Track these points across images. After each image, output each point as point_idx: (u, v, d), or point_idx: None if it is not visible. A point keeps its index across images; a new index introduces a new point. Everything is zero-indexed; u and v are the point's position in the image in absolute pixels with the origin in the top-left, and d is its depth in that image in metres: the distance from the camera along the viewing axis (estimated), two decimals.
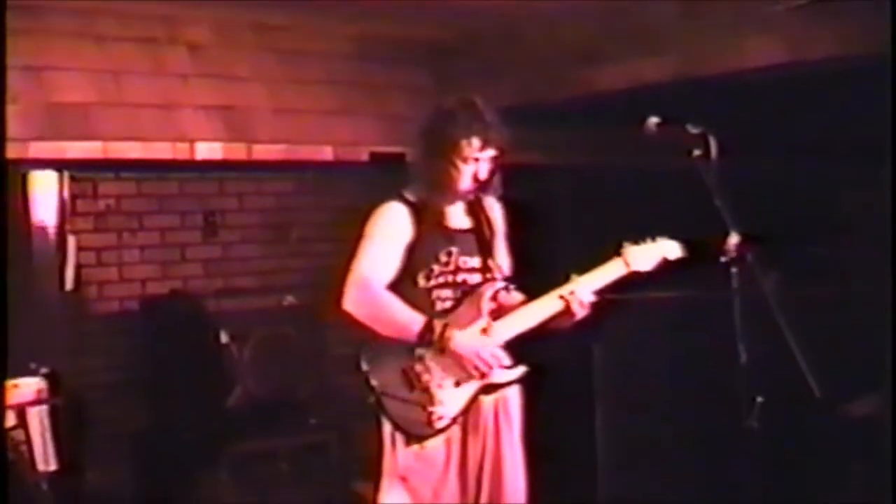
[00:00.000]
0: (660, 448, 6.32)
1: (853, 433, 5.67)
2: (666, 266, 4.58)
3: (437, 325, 4.44)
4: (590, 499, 6.37)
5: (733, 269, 3.99)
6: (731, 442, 4.23)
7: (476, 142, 4.49)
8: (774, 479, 5.27)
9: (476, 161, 4.53)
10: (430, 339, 4.43)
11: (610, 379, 6.41)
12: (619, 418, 6.37)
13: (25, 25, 6.12)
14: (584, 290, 4.52)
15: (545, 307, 4.56)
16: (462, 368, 4.50)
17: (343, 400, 6.73)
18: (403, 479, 4.55)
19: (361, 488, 6.17)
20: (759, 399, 3.92)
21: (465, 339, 4.47)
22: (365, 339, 4.53)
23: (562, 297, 4.52)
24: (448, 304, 4.58)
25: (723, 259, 4.01)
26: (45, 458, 5.39)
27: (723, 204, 3.99)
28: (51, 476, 5.38)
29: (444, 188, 4.58)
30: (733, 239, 3.99)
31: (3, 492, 4.77)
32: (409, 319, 4.47)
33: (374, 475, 4.67)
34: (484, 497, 4.63)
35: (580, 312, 4.52)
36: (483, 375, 4.51)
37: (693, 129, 4.13)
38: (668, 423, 6.30)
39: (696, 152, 4.08)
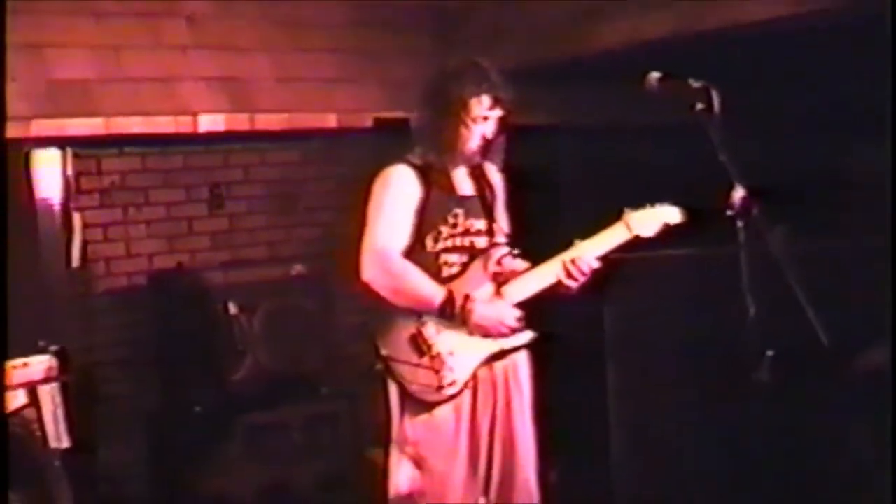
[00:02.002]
0: (671, 406, 6.30)
1: (864, 384, 5.64)
2: (668, 231, 4.57)
3: (458, 297, 4.45)
4: (602, 461, 6.35)
5: (739, 224, 3.97)
6: (742, 396, 4.22)
7: (486, 100, 4.53)
8: (785, 431, 5.27)
9: (485, 120, 4.54)
10: (452, 312, 4.44)
11: (620, 340, 6.38)
12: (630, 379, 6.34)
13: (23, 4, 6.08)
14: (587, 256, 4.52)
15: (548, 273, 4.56)
16: (478, 334, 4.51)
17: (354, 368, 6.75)
18: (411, 447, 4.56)
19: (374, 455, 6.17)
20: (770, 352, 3.91)
21: (486, 309, 4.49)
22: (373, 306, 4.53)
23: (564, 263, 4.51)
24: (455, 268, 4.61)
25: (728, 213, 3.99)
26: (58, 436, 5.37)
27: (727, 158, 3.96)
28: (64, 453, 5.37)
29: (452, 149, 4.59)
30: (738, 193, 3.96)
31: (3, 470, 4.76)
32: (431, 292, 4.49)
33: (382, 444, 4.68)
34: (496, 464, 4.66)
35: (581, 279, 4.51)
36: (510, 335, 4.57)
37: (695, 84, 4.10)
38: (680, 380, 6.27)
39: (699, 106, 4.05)
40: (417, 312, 4.49)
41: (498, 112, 4.55)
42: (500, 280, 4.60)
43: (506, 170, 4.87)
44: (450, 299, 4.46)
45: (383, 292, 4.49)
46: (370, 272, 4.49)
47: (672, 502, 6.23)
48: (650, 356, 6.32)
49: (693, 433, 6.29)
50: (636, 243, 4.56)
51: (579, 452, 6.24)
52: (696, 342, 6.18)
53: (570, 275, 4.50)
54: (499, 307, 4.53)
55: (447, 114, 4.53)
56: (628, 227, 4.54)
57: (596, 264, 4.53)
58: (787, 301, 3.76)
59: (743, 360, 4.03)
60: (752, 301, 3.97)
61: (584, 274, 4.50)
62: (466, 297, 4.47)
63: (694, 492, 6.21)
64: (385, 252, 4.49)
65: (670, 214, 4.57)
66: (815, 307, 3.77)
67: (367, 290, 4.51)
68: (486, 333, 4.53)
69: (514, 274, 4.64)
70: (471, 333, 4.50)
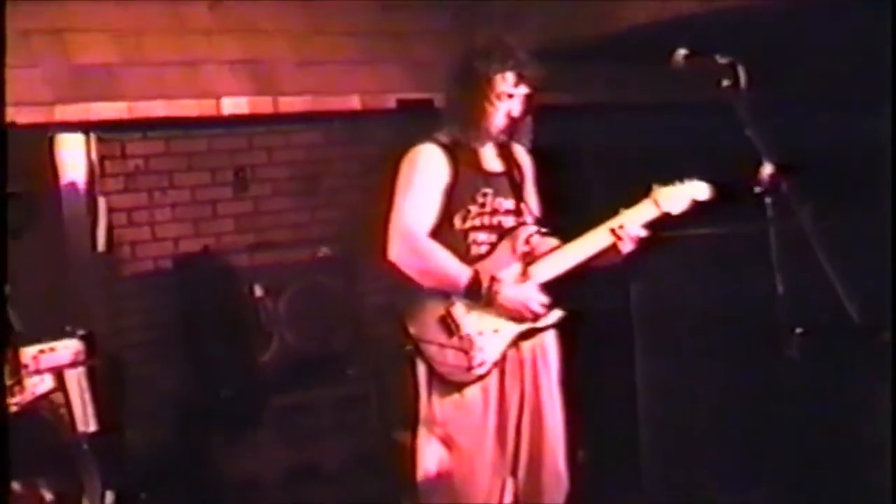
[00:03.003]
0: (699, 383, 6.28)
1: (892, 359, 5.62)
2: (696, 207, 4.54)
3: (485, 277, 4.45)
4: (630, 440, 6.34)
5: (768, 200, 3.95)
6: (771, 372, 4.21)
7: (511, 77, 4.52)
8: (814, 406, 5.25)
9: (510, 97, 4.54)
10: (479, 293, 4.42)
11: (648, 317, 6.36)
12: (658, 357, 6.33)
13: None
14: (633, 224, 4.50)
15: (593, 242, 4.55)
16: (504, 316, 4.49)
17: (380, 349, 6.76)
18: (439, 427, 4.56)
19: (402, 437, 6.17)
20: (799, 330, 3.89)
21: (512, 291, 4.48)
22: (401, 287, 4.53)
23: (612, 231, 4.49)
24: (484, 247, 4.60)
25: (757, 190, 3.97)
26: (85, 420, 5.38)
27: (754, 134, 3.94)
28: (91, 437, 5.39)
29: (477, 126, 4.58)
30: (767, 169, 3.94)
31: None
32: (457, 272, 4.48)
33: (411, 424, 4.68)
34: (524, 443, 4.67)
35: (628, 247, 4.49)
36: (535, 319, 4.53)
37: (722, 60, 4.08)
38: (708, 357, 6.26)
39: (726, 83, 4.03)
40: (445, 293, 4.48)
41: (524, 90, 4.54)
42: (529, 260, 4.59)
43: (533, 150, 4.85)
44: (476, 280, 4.45)
45: (409, 272, 4.49)
46: (396, 252, 4.49)
47: (702, 480, 6.22)
48: (678, 334, 6.30)
49: (722, 410, 6.27)
50: (665, 220, 4.53)
51: (608, 431, 6.23)
52: (725, 319, 6.16)
53: (618, 243, 4.49)
54: (525, 290, 4.52)
55: (473, 91, 4.54)
56: (657, 204, 4.51)
57: (643, 233, 4.51)
58: (817, 277, 3.74)
59: (771, 336, 4.02)
60: (781, 278, 3.96)
61: (632, 241, 4.49)
62: (493, 279, 4.46)
63: (723, 468, 6.20)
64: (411, 232, 4.49)
65: (699, 190, 4.54)
66: (845, 283, 3.75)
67: (393, 269, 4.50)
68: (511, 315, 4.52)
69: (543, 253, 4.62)
70: (497, 314, 4.49)
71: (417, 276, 4.48)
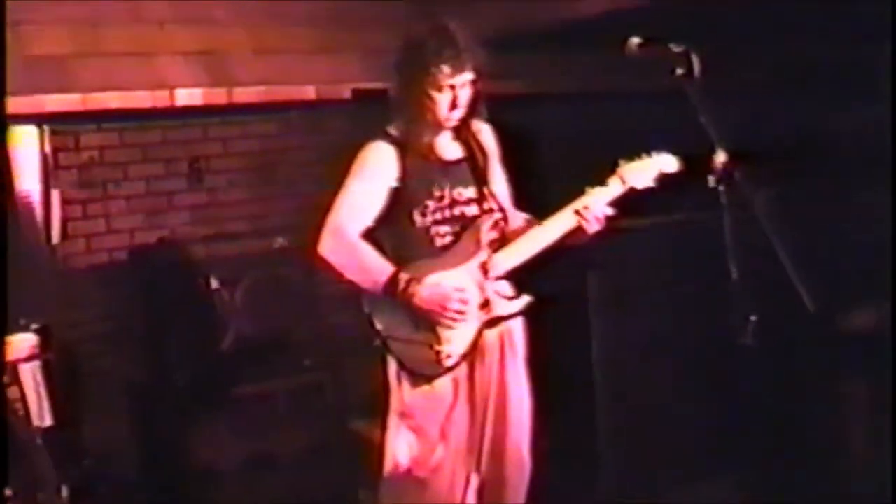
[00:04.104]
0: (655, 372, 6.30)
1: (848, 348, 5.66)
2: (664, 180, 4.53)
3: (403, 278, 4.42)
4: (587, 427, 6.35)
5: (721, 188, 3.96)
6: (725, 360, 4.22)
7: (446, 68, 4.40)
8: (771, 395, 5.27)
9: (452, 88, 4.46)
10: (395, 292, 4.41)
11: (604, 304, 6.37)
12: (614, 345, 6.33)
13: None
14: (598, 204, 4.50)
15: (559, 225, 4.54)
16: (424, 319, 4.48)
17: (337, 340, 6.76)
18: (410, 418, 4.57)
19: (358, 427, 6.18)
20: (753, 317, 3.90)
21: (429, 292, 4.44)
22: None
23: (577, 212, 4.49)
24: (447, 239, 4.58)
25: (711, 178, 3.98)
26: (40, 414, 5.37)
27: (708, 122, 3.95)
28: (46, 431, 5.37)
29: (423, 119, 4.52)
30: (720, 157, 3.95)
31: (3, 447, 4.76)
32: (378, 270, 4.45)
33: (380, 414, 4.67)
34: (489, 426, 4.68)
35: (594, 227, 4.49)
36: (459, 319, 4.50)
37: (675, 48, 4.08)
38: (664, 346, 6.27)
39: (680, 71, 4.03)
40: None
41: (465, 77, 4.45)
42: (499, 245, 4.60)
43: (492, 122, 4.80)
44: (394, 280, 4.42)
45: (337, 267, 4.48)
46: (325, 247, 4.49)
47: (659, 469, 6.24)
48: (634, 322, 6.31)
49: (679, 398, 6.29)
50: (631, 196, 4.52)
51: (564, 419, 6.24)
52: (681, 308, 6.18)
53: (584, 224, 4.49)
54: (443, 290, 4.47)
55: (413, 83, 4.47)
56: (622, 179, 4.51)
57: (609, 211, 4.52)
58: (772, 265, 3.75)
59: (726, 324, 4.03)
60: (735, 266, 3.97)
61: (598, 222, 4.49)
62: (410, 280, 4.42)
63: (681, 456, 6.23)
64: (340, 229, 4.46)
65: (666, 163, 4.54)
66: (799, 271, 3.76)
67: (323, 263, 4.51)
68: (430, 317, 4.48)
69: (514, 235, 4.65)
70: (413, 316, 4.48)
71: (344, 272, 4.48)
